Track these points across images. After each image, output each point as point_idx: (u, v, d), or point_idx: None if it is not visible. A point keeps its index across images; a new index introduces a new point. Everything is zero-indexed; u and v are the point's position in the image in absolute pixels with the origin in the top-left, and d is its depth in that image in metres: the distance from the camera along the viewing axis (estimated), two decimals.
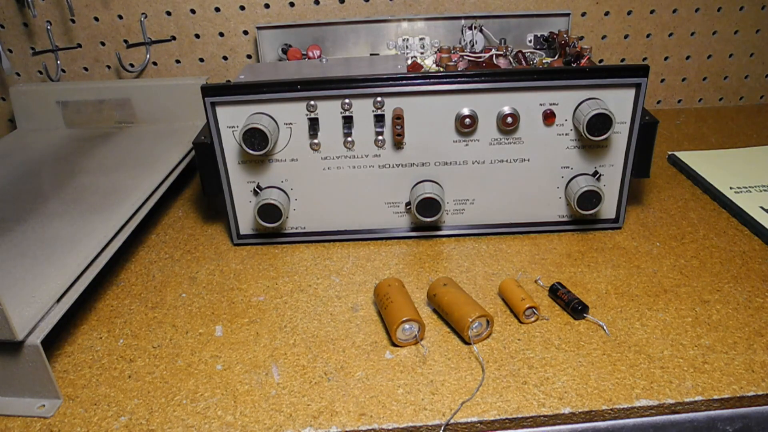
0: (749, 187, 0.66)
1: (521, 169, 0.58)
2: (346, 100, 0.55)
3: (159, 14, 0.84)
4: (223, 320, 0.51)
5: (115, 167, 0.68)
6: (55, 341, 0.49)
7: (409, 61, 0.71)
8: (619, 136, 0.57)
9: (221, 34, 0.86)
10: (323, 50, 0.80)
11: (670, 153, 0.77)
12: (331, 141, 0.57)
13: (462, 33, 0.78)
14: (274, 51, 0.81)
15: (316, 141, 0.57)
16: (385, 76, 0.54)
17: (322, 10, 0.84)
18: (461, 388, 0.42)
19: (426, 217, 0.58)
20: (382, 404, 0.41)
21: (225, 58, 0.87)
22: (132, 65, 0.88)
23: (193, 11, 0.84)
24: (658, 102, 0.94)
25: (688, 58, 0.91)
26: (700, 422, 0.42)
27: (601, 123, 0.54)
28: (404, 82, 0.54)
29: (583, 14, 0.86)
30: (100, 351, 0.48)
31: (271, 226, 0.59)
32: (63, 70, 0.87)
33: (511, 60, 0.72)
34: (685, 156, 0.75)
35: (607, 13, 0.87)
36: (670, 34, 0.89)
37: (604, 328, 0.48)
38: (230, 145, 0.57)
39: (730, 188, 0.66)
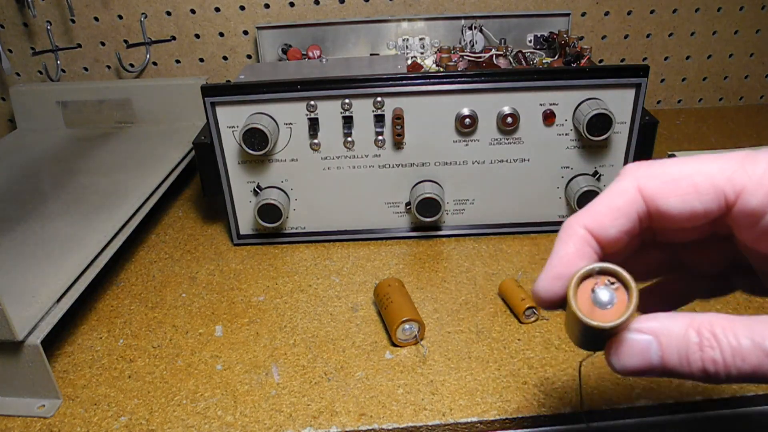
0: None
1: (521, 169, 0.58)
2: (346, 100, 0.55)
3: (159, 14, 0.84)
4: (223, 320, 0.51)
5: (115, 167, 0.68)
6: (55, 341, 0.49)
7: (409, 61, 0.71)
8: (619, 136, 0.57)
9: (221, 34, 0.86)
10: (323, 50, 0.80)
11: (670, 153, 0.76)
12: (331, 141, 0.57)
13: (462, 33, 0.78)
14: (274, 51, 0.81)
15: (316, 141, 0.57)
16: (385, 76, 0.54)
17: (322, 10, 0.84)
18: (461, 388, 0.42)
19: (426, 217, 0.58)
20: (382, 404, 0.41)
21: (225, 58, 0.87)
22: (132, 65, 0.88)
23: (193, 11, 0.84)
24: (658, 102, 0.94)
25: (688, 58, 0.91)
26: (700, 422, 0.42)
27: (601, 123, 0.54)
28: (404, 82, 0.54)
29: (583, 14, 0.86)
30: (100, 351, 0.48)
31: (271, 226, 0.59)
32: (63, 70, 0.87)
33: (511, 60, 0.72)
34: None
35: (607, 13, 0.87)
36: (670, 34, 0.89)
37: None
38: (230, 145, 0.57)
39: None
